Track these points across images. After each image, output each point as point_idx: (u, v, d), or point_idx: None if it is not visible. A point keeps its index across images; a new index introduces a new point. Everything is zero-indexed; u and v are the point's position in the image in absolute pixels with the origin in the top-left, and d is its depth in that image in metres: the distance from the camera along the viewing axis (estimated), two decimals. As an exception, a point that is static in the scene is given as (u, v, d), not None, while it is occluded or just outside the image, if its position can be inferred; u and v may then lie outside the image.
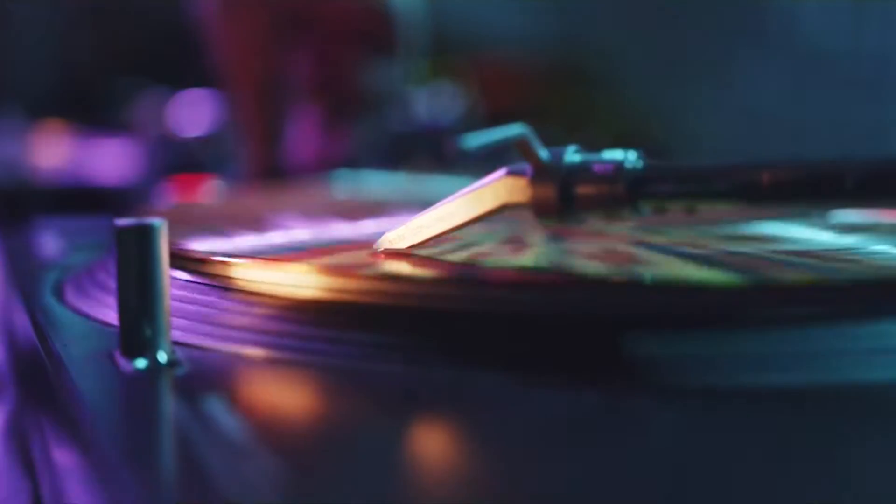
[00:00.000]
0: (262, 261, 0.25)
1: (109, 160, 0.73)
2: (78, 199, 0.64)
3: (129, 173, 0.70)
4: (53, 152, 0.76)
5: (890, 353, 0.21)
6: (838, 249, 0.26)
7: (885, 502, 0.16)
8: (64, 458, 0.22)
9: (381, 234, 0.27)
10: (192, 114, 0.84)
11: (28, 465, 0.28)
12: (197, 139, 0.76)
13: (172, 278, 0.24)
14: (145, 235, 0.22)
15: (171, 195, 0.55)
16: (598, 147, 0.26)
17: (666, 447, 0.18)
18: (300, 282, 0.24)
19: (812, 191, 0.21)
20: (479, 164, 0.27)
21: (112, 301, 0.27)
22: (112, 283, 0.28)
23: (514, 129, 0.23)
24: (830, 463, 0.17)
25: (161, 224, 0.22)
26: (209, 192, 0.57)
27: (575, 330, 0.22)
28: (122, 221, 0.22)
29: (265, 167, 0.58)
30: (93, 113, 0.87)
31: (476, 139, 0.22)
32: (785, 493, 0.16)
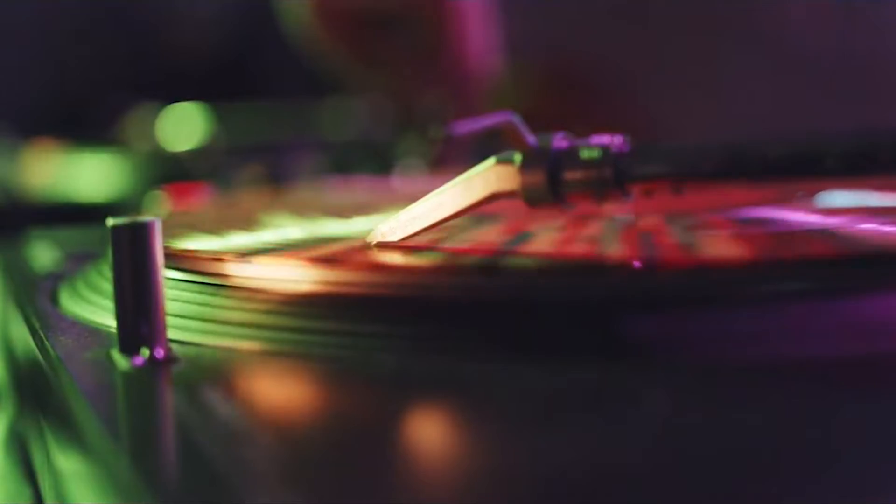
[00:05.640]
0: (255, 256, 0.26)
1: (101, 175, 0.73)
2: (70, 215, 0.64)
3: (121, 188, 0.71)
4: (45, 169, 0.76)
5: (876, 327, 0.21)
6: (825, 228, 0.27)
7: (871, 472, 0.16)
8: (65, 459, 0.22)
9: (372, 229, 0.28)
10: (182, 127, 0.84)
11: (28, 470, 0.28)
12: (188, 152, 0.77)
13: (167, 277, 0.24)
14: (139, 233, 0.22)
15: (163, 204, 0.55)
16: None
17: (661, 423, 0.18)
18: (293, 276, 0.24)
19: (800, 167, 0.21)
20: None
21: (107, 303, 0.27)
22: (106, 286, 0.28)
23: (501, 116, 0.23)
24: (825, 434, 0.17)
25: (154, 222, 0.23)
26: (201, 199, 0.57)
27: (569, 313, 0.22)
28: (117, 221, 0.23)
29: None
30: (83, 129, 0.88)
31: (464, 125, 0.22)
32: (779, 467, 0.16)
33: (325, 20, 0.64)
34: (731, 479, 0.15)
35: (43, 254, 0.38)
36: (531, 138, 0.25)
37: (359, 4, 0.62)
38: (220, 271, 0.26)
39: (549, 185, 0.25)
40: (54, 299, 0.30)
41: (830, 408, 0.19)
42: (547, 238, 0.27)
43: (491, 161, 0.26)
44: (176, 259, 0.27)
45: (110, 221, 0.23)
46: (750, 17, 0.88)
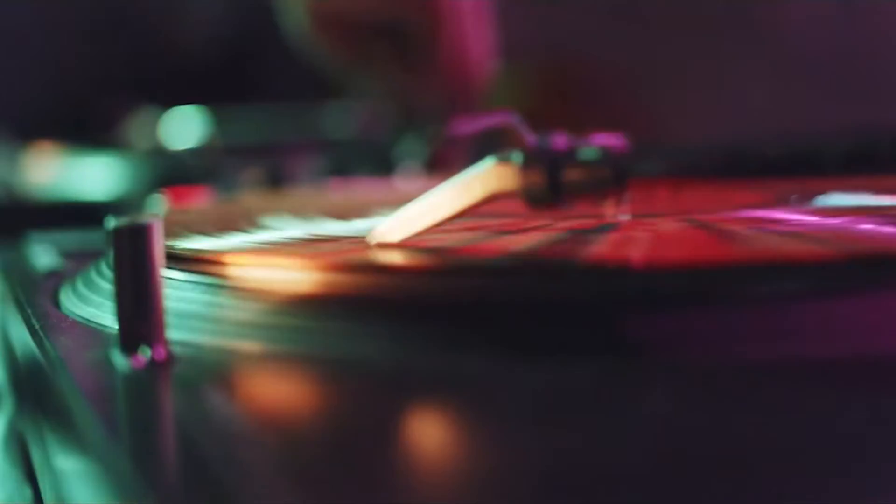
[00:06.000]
0: (255, 256, 0.26)
1: (101, 177, 0.73)
2: (70, 215, 0.64)
3: (121, 189, 0.71)
4: (46, 170, 0.76)
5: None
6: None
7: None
8: (65, 459, 0.22)
9: (372, 229, 0.28)
10: (183, 129, 0.84)
11: (28, 469, 0.28)
12: (188, 154, 0.77)
13: (167, 277, 0.24)
14: (139, 234, 0.22)
15: (163, 206, 0.56)
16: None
17: (661, 423, 0.18)
18: (292, 276, 0.24)
19: (798, 166, 0.21)
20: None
21: (107, 303, 0.27)
22: (106, 287, 0.28)
23: (501, 116, 0.23)
24: (825, 434, 0.17)
25: (154, 222, 0.23)
26: (201, 200, 0.57)
27: (569, 312, 0.22)
28: (117, 221, 0.23)
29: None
30: (84, 131, 0.88)
31: (464, 125, 0.22)
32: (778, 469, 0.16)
33: (323, 28, 0.64)
34: (731, 479, 0.15)
35: (43, 254, 0.39)
36: (531, 138, 0.25)
37: (354, 13, 0.62)
38: (220, 271, 0.26)
39: (549, 185, 0.25)
40: (54, 299, 0.30)
41: (831, 408, 0.18)
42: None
43: (491, 161, 0.26)
44: (176, 259, 0.27)
45: (110, 222, 0.23)
46: (750, 17, 0.88)
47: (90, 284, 0.30)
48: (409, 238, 0.27)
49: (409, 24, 0.60)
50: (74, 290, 0.30)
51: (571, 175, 0.25)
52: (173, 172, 0.70)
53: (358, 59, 0.64)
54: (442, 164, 0.51)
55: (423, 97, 0.61)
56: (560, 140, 0.25)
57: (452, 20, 0.60)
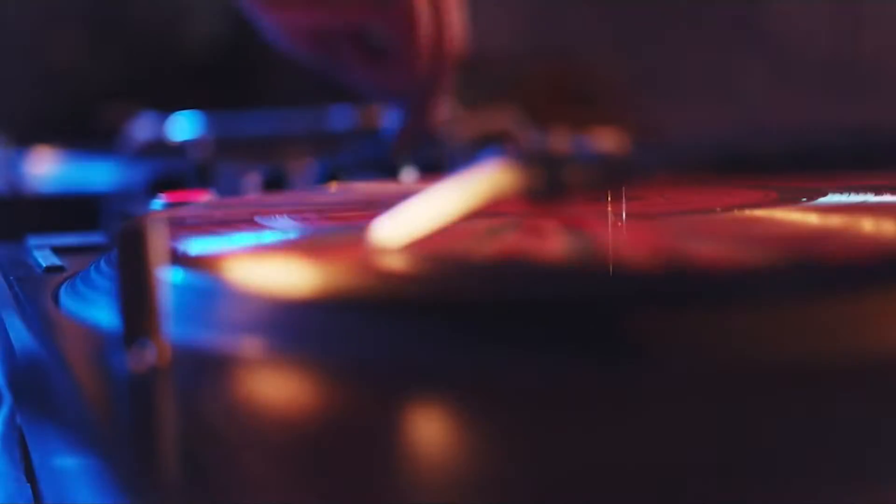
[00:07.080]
0: (255, 256, 0.26)
1: (102, 178, 0.74)
2: (71, 217, 0.64)
3: (122, 192, 0.71)
4: (46, 173, 0.77)
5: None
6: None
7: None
8: (65, 459, 0.22)
9: (372, 230, 0.28)
10: (184, 132, 0.84)
11: (28, 469, 0.28)
12: (189, 156, 0.77)
13: (168, 277, 0.24)
14: (140, 234, 0.22)
15: (164, 208, 0.56)
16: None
17: (662, 423, 0.18)
18: (292, 276, 0.24)
19: (797, 161, 0.22)
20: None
21: (108, 303, 0.27)
22: (107, 286, 0.28)
23: (501, 116, 0.23)
24: (825, 435, 0.17)
25: (156, 223, 0.23)
26: (202, 202, 0.57)
27: (570, 313, 0.22)
28: (118, 222, 0.23)
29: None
30: (85, 134, 0.88)
31: (464, 126, 0.22)
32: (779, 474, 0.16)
33: (290, 37, 0.64)
34: (730, 479, 0.15)
35: (43, 254, 0.38)
36: (531, 137, 0.25)
37: (318, 23, 0.62)
38: (220, 271, 0.26)
39: (550, 184, 0.25)
40: (55, 299, 0.30)
41: (830, 408, 0.19)
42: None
43: (492, 161, 0.26)
44: (176, 259, 0.27)
45: (111, 223, 0.23)
46: (750, 18, 0.88)
47: (90, 284, 0.30)
48: (411, 238, 0.27)
49: (374, 27, 0.59)
50: (74, 290, 0.30)
51: (571, 174, 0.25)
52: (174, 174, 0.70)
53: (329, 63, 0.63)
54: (442, 164, 0.51)
55: (392, 92, 0.60)
56: (560, 140, 0.25)
57: (419, 19, 0.59)
